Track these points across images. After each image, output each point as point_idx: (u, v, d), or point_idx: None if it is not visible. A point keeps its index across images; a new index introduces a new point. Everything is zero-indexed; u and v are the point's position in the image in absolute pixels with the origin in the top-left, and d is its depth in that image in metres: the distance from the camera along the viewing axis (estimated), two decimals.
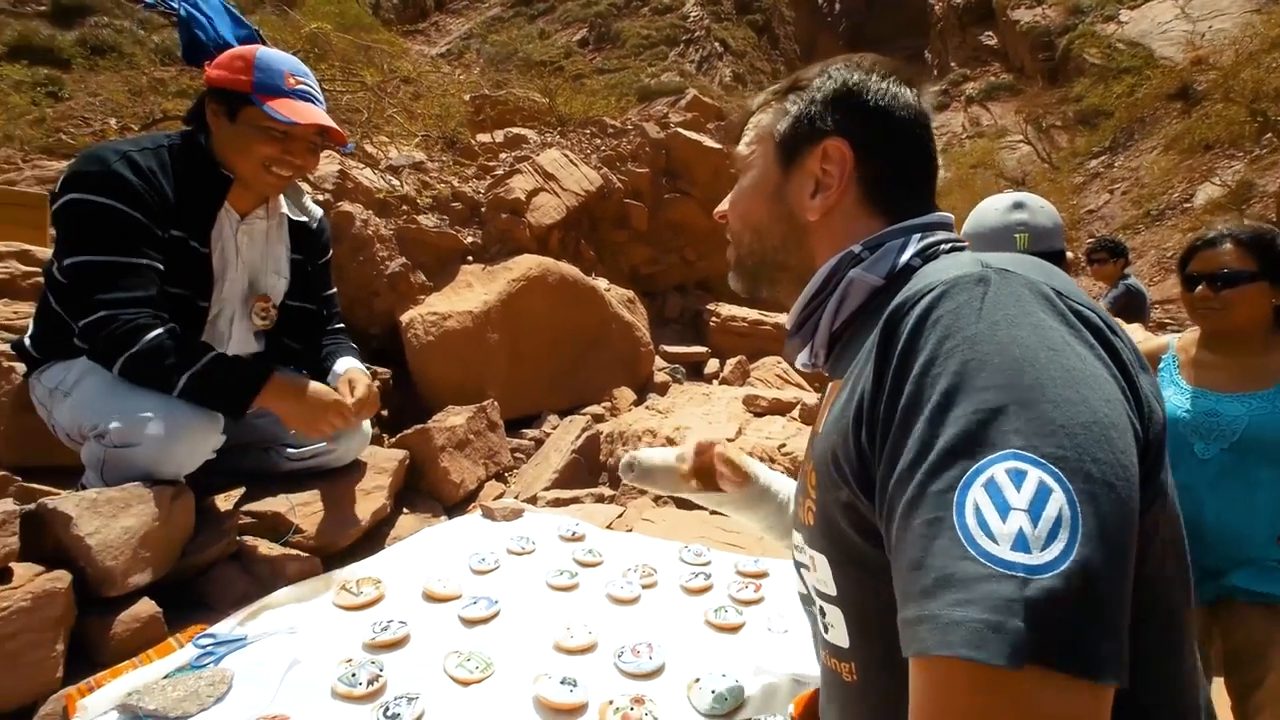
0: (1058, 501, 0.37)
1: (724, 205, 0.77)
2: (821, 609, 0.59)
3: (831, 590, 0.57)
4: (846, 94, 0.65)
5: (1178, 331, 1.62)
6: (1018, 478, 0.38)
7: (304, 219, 1.58)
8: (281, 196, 1.53)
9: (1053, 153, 16.91)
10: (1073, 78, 18.20)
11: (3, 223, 2.41)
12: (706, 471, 1.08)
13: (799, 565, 0.68)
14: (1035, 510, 0.37)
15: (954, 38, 23.92)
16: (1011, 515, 0.37)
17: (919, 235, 0.62)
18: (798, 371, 3.92)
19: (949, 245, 0.61)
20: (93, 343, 1.23)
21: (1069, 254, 1.31)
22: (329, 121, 1.36)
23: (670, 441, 2.20)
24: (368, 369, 1.67)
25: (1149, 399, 0.46)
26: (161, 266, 1.29)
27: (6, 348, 1.55)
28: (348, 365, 1.58)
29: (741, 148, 0.73)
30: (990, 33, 23.08)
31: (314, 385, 1.38)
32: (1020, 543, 0.37)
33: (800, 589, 0.71)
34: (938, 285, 0.47)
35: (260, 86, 1.29)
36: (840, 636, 0.57)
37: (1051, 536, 0.36)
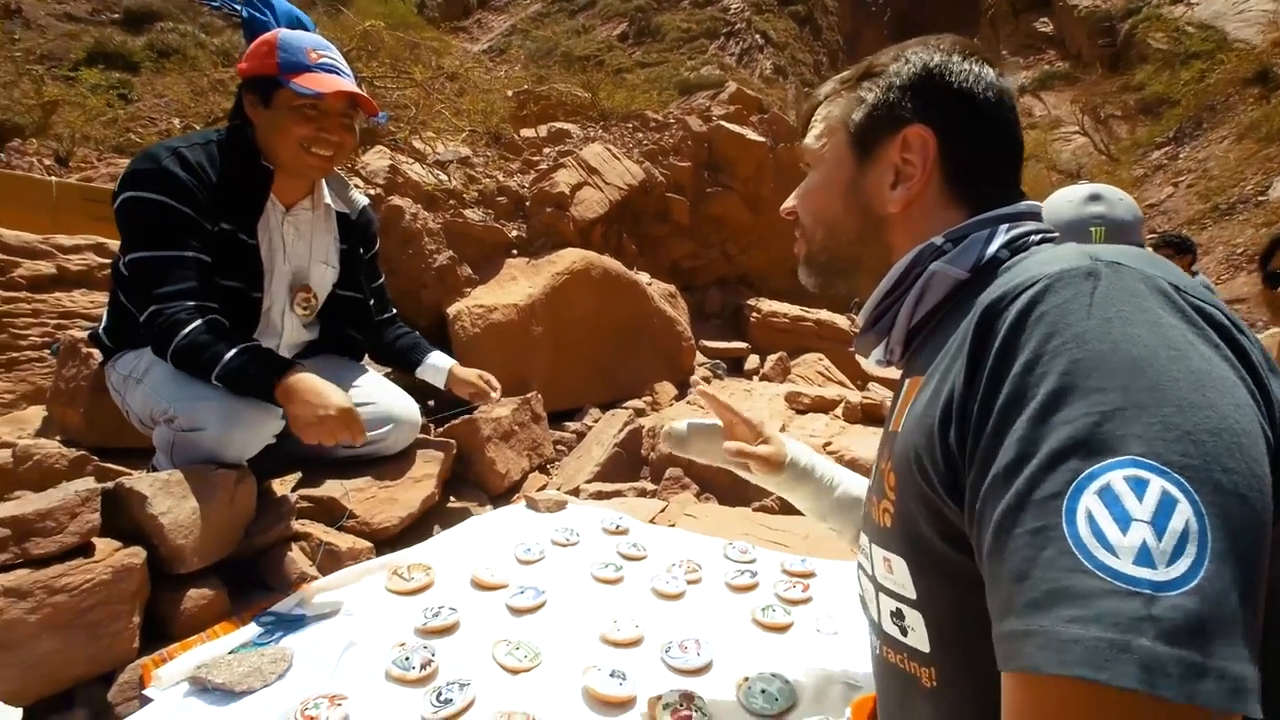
0: (1184, 513, 0.34)
1: (791, 201, 0.74)
2: (900, 611, 0.57)
3: (911, 594, 0.54)
4: (927, 77, 0.62)
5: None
6: (1139, 486, 0.35)
7: (345, 210, 1.60)
8: (325, 188, 1.55)
9: (1111, 144, 16.09)
10: (1135, 64, 17.28)
11: (82, 217, 2.55)
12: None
13: (863, 567, 0.66)
14: (1159, 522, 0.34)
15: (1006, 25, 22.98)
16: (1133, 527, 0.34)
17: (1007, 225, 0.58)
18: (849, 368, 3.84)
19: (1039, 236, 0.58)
20: (149, 338, 1.29)
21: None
22: (354, 88, 1.36)
23: None
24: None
25: None
26: (209, 259, 1.33)
27: (85, 335, 1.64)
28: (447, 362, 1.70)
29: (810, 141, 0.70)
30: (1045, 19, 22.08)
31: (330, 394, 1.27)
32: (1144, 557, 0.34)
33: (860, 591, 0.69)
34: (1041, 278, 0.44)
35: (285, 66, 1.31)
36: (920, 640, 0.55)
37: (1178, 551, 0.34)
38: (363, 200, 1.67)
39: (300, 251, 1.52)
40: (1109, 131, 16.73)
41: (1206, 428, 0.36)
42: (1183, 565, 0.33)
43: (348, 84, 1.36)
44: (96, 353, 1.57)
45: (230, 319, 1.33)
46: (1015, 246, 0.57)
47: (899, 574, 0.56)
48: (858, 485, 1.01)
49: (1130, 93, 16.77)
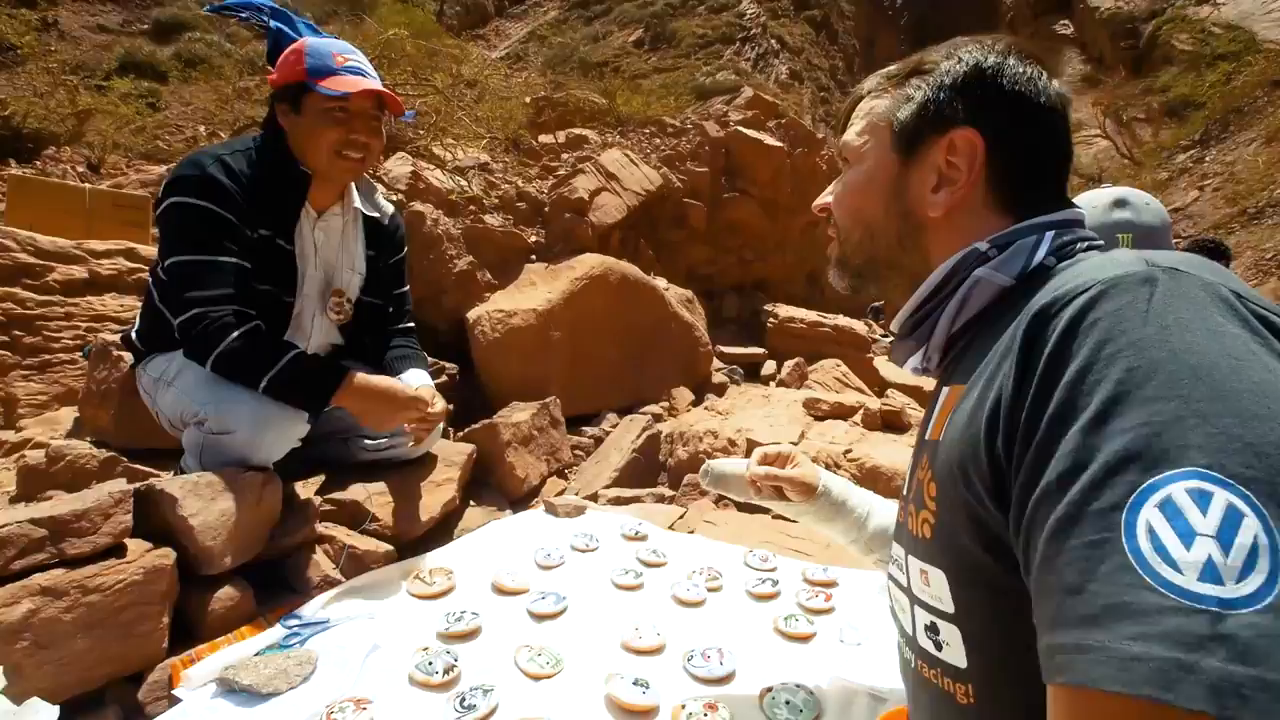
0: (1251, 528, 0.33)
1: (824, 198, 0.73)
2: (934, 625, 0.55)
3: (949, 608, 0.53)
4: (980, 79, 0.60)
5: None
6: (1202, 499, 0.34)
7: (376, 214, 1.61)
8: (355, 192, 1.57)
9: (1134, 148, 15.82)
10: (1159, 67, 17.00)
11: (113, 223, 2.61)
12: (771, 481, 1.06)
13: (895, 579, 0.65)
14: (1225, 537, 0.33)
15: (1025, 27, 22.74)
16: (1198, 541, 0.33)
17: (1053, 232, 0.57)
18: (867, 374, 3.80)
19: (1086, 244, 0.57)
20: (186, 341, 1.31)
21: None
22: (379, 86, 1.37)
23: (731, 443, 2.17)
24: (434, 365, 1.70)
25: None
26: (249, 265, 1.35)
27: (117, 339, 1.67)
28: (420, 381, 1.57)
29: (851, 137, 0.68)
30: (1066, 21, 21.84)
31: (388, 383, 1.40)
32: (1210, 573, 0.33)
33: (891, 603, 0.68)
34: (1095, 284, 0.43)
35: (313, 71, 1.33)
36: (957, 656, 0.53)
37: (1248, 568, 0.32)
38: (390, 206, 1.68)
39: (328, 257, 1.54)
40: (1132, 135, 16.44)
41: (1271, 440, 0.35)
42: (1255, 582, 0.32)
43: (373, 83, 1.37)
44: (127, 355, 1.60)
45: (262, 322, 1.35)
46: (1062, 254, 0.56)
47: (936, 587, 0.54)
48: (890, 514, 1.00)
49: (1154, 95, 16.48)
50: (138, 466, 1.51)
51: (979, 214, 0.61)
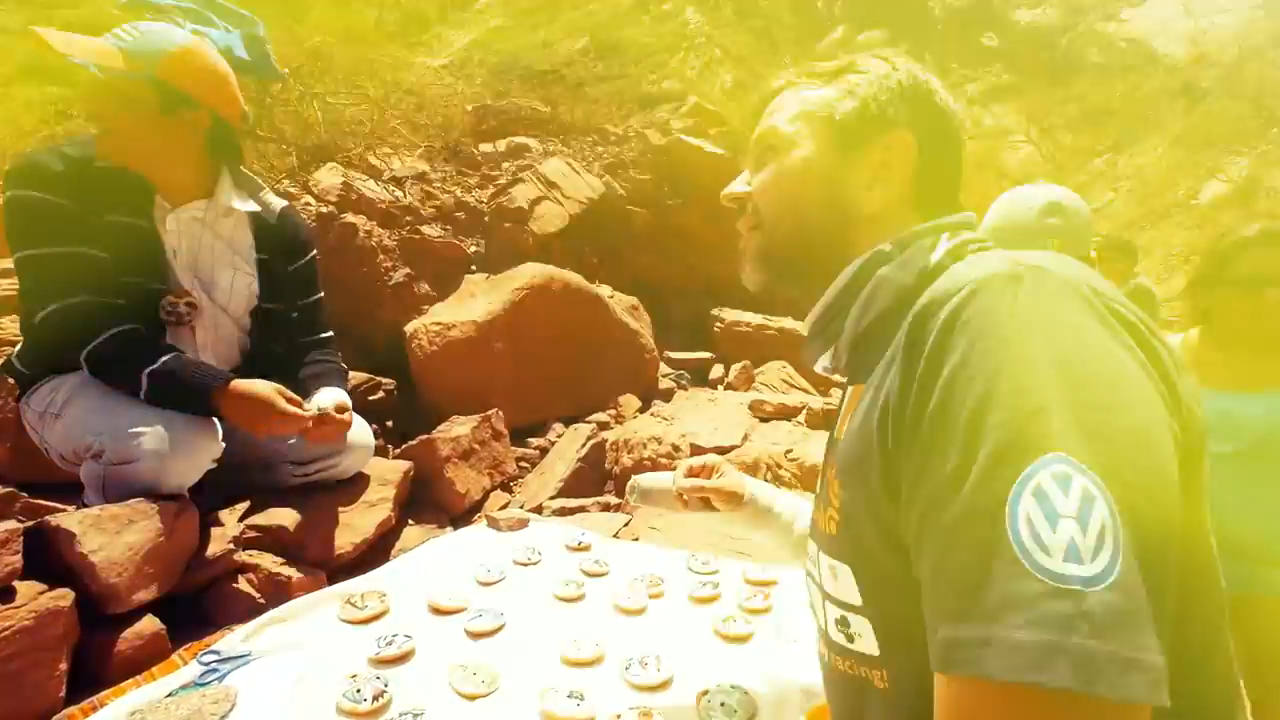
0: (1100, 509, 0.36)
1: (736, 187, 0.70)
2: (845, 619, 0.57)
3: (856, 600, 0.55)
4: (915, 87, 0.64)
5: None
6: (1064, 483, 0.37)
7: (257, 209, 1.48)
8: (229, 188, 1.44)
9: (1056, 152, 16.84)
10: (1075, 77, 18.20)
11: None
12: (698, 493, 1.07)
13: (811, 575, 0.67)
14: (1084, 517, 0.36)
15: (955, 39, 23.97)
16: (1061, 523, 0.36)
17: (948, 234, 0.60)
18: (811, 374, 3.89)
19: (976, 245, 0.60)
20: (48, 341, 1.22)
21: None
22: (56, 36, 1.28)
23: (676, 448, 2.19)
24: (370, 381, 1.62)
25: (1189, 403, 0.45)
26: (103, 254, 1.26)
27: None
28: (332, 398, 1.45)
29: (781, 123, 0.66)
30: (991, 34, 23.13)
31: (257, 385, 1.30)
32: (1072, 552, 0.35)
33: (809, 598, 0.70)
34: (966, 284, 0.46)
35: None
36: (869, 645, 0.55)
37: (1099, 546, 0.35)
38: (279, 203, 1.54)
39: (188, 249, 1.41)
40: (1054, 140, 17.49)
41: (1118, 427, 0.38)
42: (1103, 559, 0.35)
43: (51, 33, 1.26)
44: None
45: (134, 318, 1.27)
46: (956, 254, 0.59)
47: (843, 581, 0.56)
48: None
49: (1072, 103, 17.60)
50: (40, 502, 1.41)
51: (899, 216, 0.64)
